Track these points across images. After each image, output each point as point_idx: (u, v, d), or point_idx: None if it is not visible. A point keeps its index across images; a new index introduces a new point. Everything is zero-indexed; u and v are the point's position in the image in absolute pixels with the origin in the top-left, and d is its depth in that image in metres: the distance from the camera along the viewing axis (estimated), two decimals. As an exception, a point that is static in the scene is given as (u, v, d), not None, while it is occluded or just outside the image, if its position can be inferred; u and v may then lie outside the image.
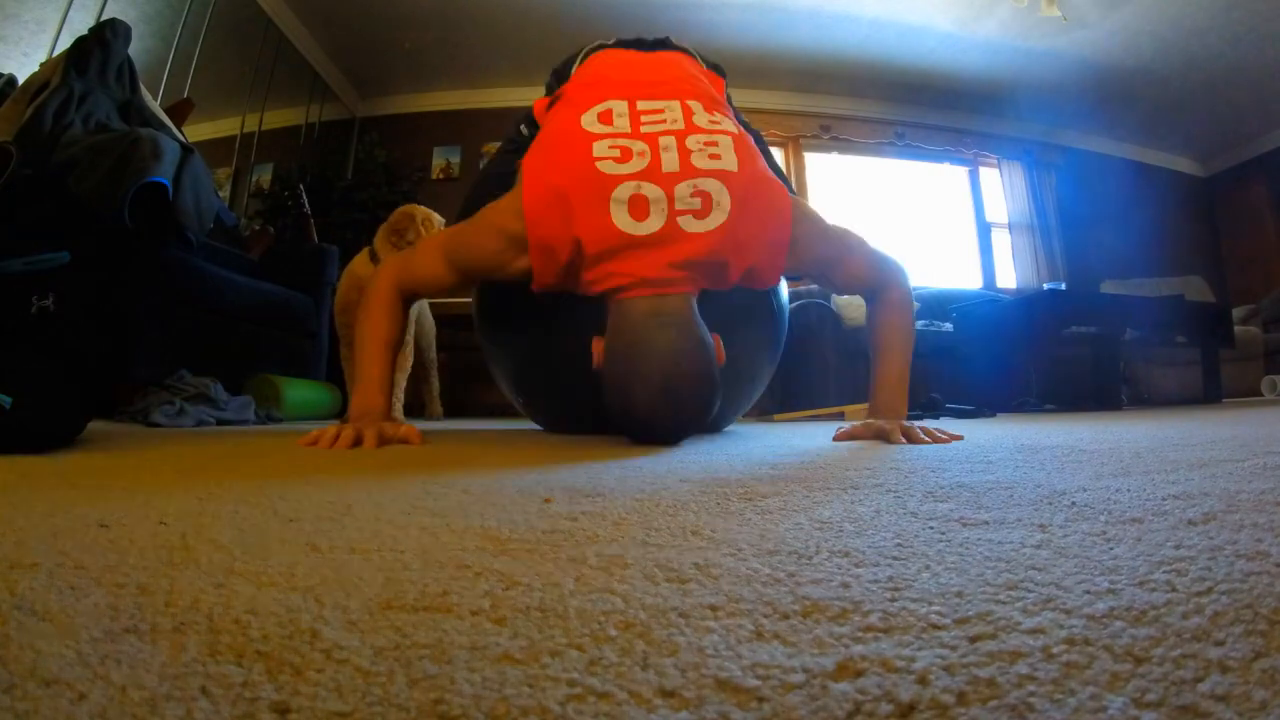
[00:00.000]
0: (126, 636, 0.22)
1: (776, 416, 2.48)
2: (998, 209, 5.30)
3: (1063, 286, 4.32)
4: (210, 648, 0.21)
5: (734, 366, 1.21)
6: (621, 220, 0.96)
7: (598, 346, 1.02)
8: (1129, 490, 0.50)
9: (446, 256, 1.10)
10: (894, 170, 5.25)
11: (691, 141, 1.03)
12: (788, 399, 3.07)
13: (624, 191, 0.97)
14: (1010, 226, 5.23)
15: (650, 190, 0.97)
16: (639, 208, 0.97)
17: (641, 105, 1.09)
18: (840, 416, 2.45)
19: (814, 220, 1.12)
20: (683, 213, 0.97)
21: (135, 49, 2.25)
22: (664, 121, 1.06)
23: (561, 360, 1.26)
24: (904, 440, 1.02)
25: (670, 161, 1.00)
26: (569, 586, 0.28)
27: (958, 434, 1.11)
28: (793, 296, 4.03)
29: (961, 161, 5.30)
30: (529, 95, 5.58)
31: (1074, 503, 0.46)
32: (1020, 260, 5.18)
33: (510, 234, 1.01)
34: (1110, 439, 1.03)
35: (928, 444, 0.99)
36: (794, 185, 5.03)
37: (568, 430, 1.49)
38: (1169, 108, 4.91)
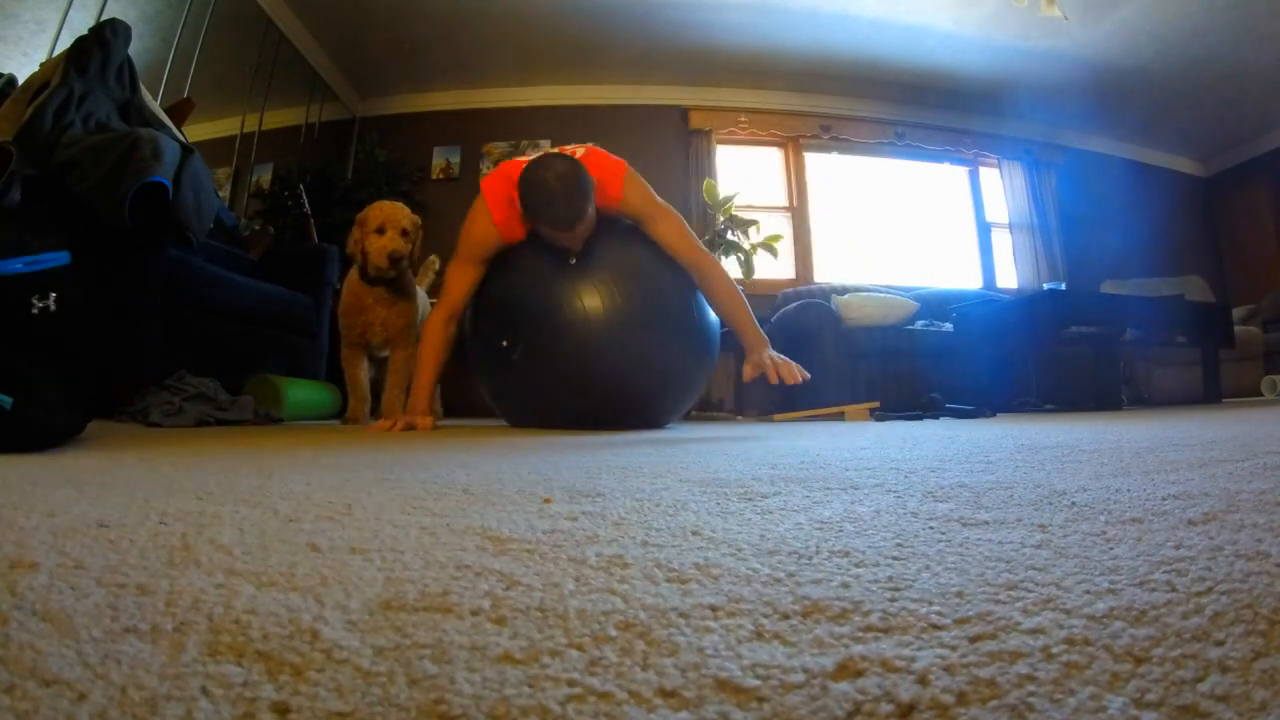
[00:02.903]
0: (126, 636, 0.22)
1: (776, 416, 2.48)
2: (998, 209, 5.29)
3: (1063, 286, 4.32)
4: (210, 648, 0.21)
5: (670, 374, 1.70)
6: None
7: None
8: (1129, 490, 0.50)
9: (464, 261, 1.77)
10: (894, 170, 5.24)
11: (562, 149, 1.78)
12: (788, 399, 3.07)
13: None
14: (1010, 226, 5.23)
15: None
16: None
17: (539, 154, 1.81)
18: (840, 416, 2.45)
19: (643, 184, 1.78)
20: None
21: (135, 49, 2.25)
22: (550, 151, 1.79)
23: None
24: (771, 363, 1.61)
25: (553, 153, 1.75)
26: (569, 587, 0.28)
27: (806, 374, 1.64)
28: (793, 297, 4.04)
29: (961, 161, 5.29)
30: (529, 95, 5.59)
31: (1074, 503, 0.46)
32: (1020, 260, 5.17)
33: (481, 206, 1.75)
34: (1110, 439, 1.03)
35: (785, 380, 1.60)
36: (793, 186, 5.03)
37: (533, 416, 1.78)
38: (1169, 108, 4.90)
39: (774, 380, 1.60)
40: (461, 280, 1.78)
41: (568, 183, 1.58)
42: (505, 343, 1.69)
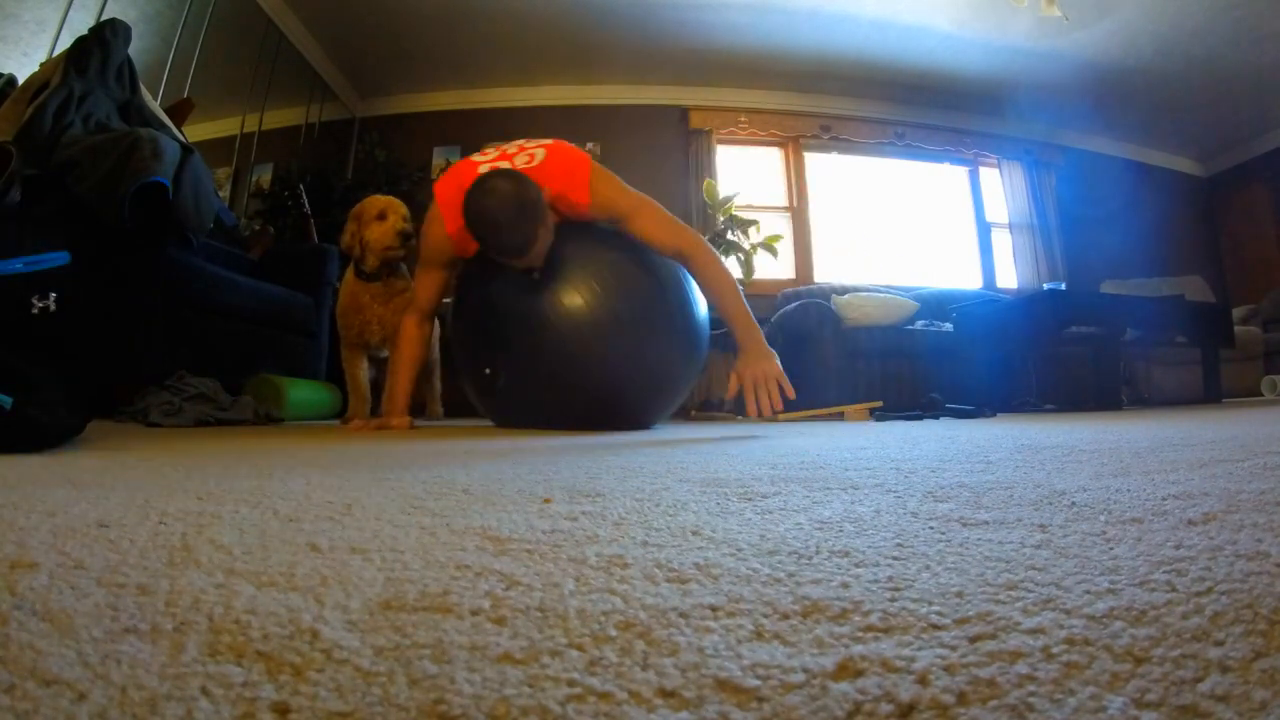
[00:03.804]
0: (126, 636, 0.22)
1: (780, 416, 2.48)
2: (998, 209, 5.29)
3: (1063, 286, 4.32)
4: (210, 648, 0.21)
5: (656, 372, 1.64)
6: (483, 170, 1.60)
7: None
8: (1129, 490, 0.50)
9: (426, 266, 1.75)
10: (894, 170, 5.24)
11: (523, 148, 1.69)
12: (788, 399, 3.07)
13: (484, 168, 1.60)
14: (1010, 226, 5.23)
15: (500, 163, 1.61)
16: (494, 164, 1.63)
17: (496, 151, 1.72)
18: (840, 416, 2.45)
19: (611, 179, 1.64)
20: (518, 163, 1.61)
21: (135, 49, 2.25)
22: (509, 151, 1.70)
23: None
24: (751, 386, 1.49)
25: (512, 155, 1.66)
26: (569, 587, 0.28)
27: (789, 394, 1.54)
28: (793, 297, 4.04)
29: (961, 161, 5.29)
30: (529, 95, 5.59)
31: (1074, 503, 0.46)
32: (1020, 260, 5.17)
33: (435, 214, 1.67)
34: (1110, 439, 1.03)
35: (764, 412, 1.48)
36: (793, 186, 5.02)
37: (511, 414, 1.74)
38: (1169, 108, 4.90)
39: (752, 413, 1.47)
40: (427, 285, 1.76)
41: (510, 209, 1.45)
42: (488, 371, 1.65)
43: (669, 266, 1.67)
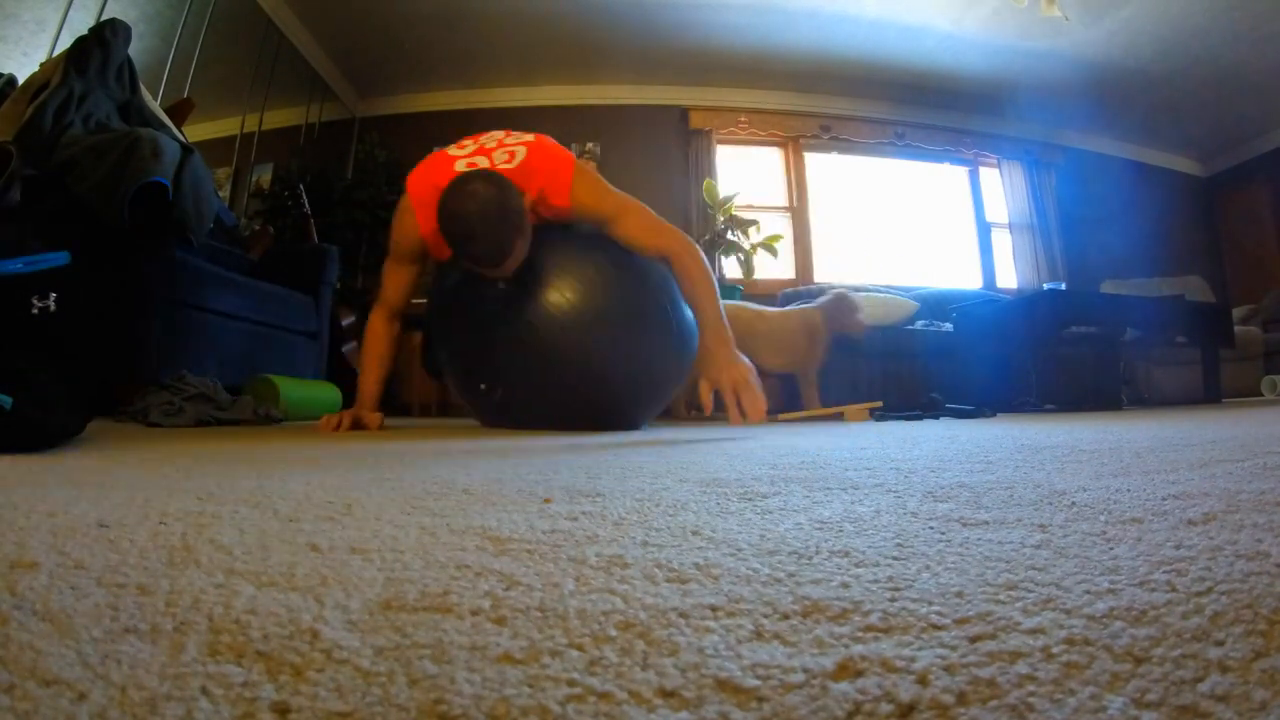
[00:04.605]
0: (126, 636, 0.22)
1: (780, 416, 2.48)
2: (998, 209, 5.29)
3: (1063, 286, 4.32)
4: (210, 648, 0.21)
5: (639, 369, 1.58)
6: (460, 167, 1.53)
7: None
8: (1129, 490, 0.50)
9: (397, 260, 1.68)
10: (894, 170, 5.24)
11: (502, 143, 1.60)
12: (788, 399, 3.07)
13: (461, 164, 1.54)
14: (1010, 226, 5.23)
15: (479, 159, 1.54)
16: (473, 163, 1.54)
17: (475, 145, 1.64)
18: (839, 417, 2.45)
19: (595, 181, 1.58)
20: (498, 160, 1.53)
21: (135, 49, 2.25)
22: (488, 145, 1.61)
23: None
24: (731, 390, 1.32)
25: (491, 151, 1.57)
26: (569, 587, 0.28)
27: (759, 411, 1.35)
28: (793, 297, 4.04)
29: (961, 161, 5.29)
30: (529, 95, 5.60)
31: (1074, 503, 0.46)
32: (1020, 260, 5.17)
33: (408, 208, 1.59)
34: (1110, 439, 1.03)
35: (749, 419, 1.32)
36: (793, 186, 5.03)
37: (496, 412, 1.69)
38: (1169, 108, 4.90)
39: (736, 421, 1.31)
40: (398, 281, 1.68)
41: (490, 218, 1.36)
42: (483, 386, 1.60)
43: (654, 264, 1.63)
